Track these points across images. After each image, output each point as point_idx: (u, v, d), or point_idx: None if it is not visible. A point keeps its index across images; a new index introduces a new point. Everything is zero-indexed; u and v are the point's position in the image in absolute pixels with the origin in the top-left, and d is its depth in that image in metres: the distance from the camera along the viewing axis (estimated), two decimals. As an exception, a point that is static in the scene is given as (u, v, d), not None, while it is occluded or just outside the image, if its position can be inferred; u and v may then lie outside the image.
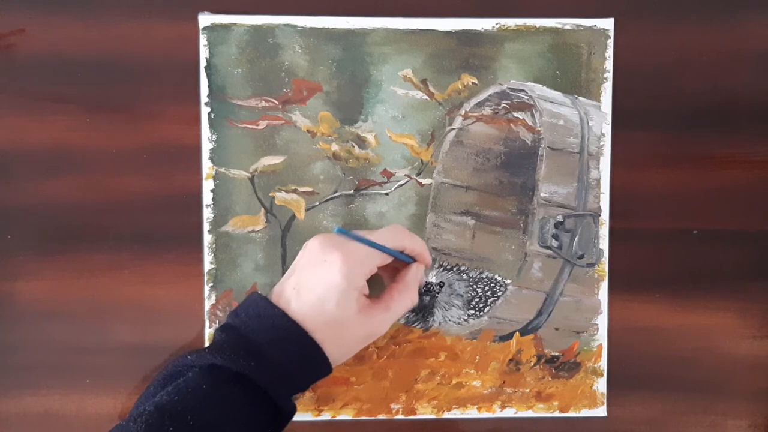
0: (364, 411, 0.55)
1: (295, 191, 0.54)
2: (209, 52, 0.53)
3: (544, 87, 0.54)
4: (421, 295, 0.54)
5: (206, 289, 0.54)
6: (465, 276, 0.55)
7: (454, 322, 0.55)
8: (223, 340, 0.43)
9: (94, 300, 0.53)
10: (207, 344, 0.54)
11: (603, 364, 0.55)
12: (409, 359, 0.55)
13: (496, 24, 0.53)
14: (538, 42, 0.54)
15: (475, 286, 0.55)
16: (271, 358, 0.42)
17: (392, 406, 0.55)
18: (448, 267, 0.55)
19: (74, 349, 0.54)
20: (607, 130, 0.54)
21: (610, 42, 0.54)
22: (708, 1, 0.54)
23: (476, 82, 0.54)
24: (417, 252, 0.49)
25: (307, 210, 0.54)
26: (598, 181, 0.55)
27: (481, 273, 0.55)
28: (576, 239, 0.55)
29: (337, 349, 0.44)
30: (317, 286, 0.44)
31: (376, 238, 0.46)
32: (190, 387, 0.40)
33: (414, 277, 0.49)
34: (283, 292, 0.45)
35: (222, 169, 0.53)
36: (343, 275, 0.43)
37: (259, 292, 0.53)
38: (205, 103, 0.53)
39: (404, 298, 0.47)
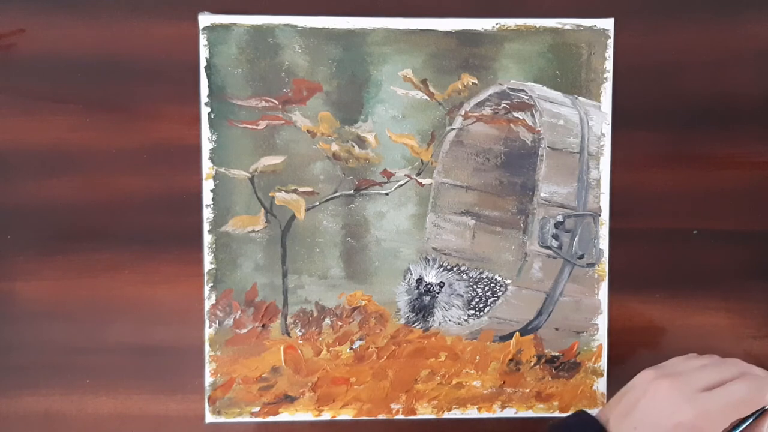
0: (364, 411, 0.55)
1: (295, 191, 0.54)
2: (209, 52, 0.53)
3: (544, 87, 0.54)
4: (421, 295, 0.54)
5: (206, 289, 0.54)
6: (465, 276, 0.55)
7: (454, 322, 0.55)
8: None
9: (94, 300, 0.53)
10: (205, 342, 0.54)
11: (603, 364, 0.55)
12: (409, 359, 0.55)
13: (496, 24, 0.53)
14: (538, 42, 0.54)
15: (475, 286, 0.55)
16: None
17: (392, 406, 0.55)
18: (448, 267, 0.55)
19: (74, 349, 0.54)
20: (607, 130, 0.54)
21: (610, 42, 0.54)
22: (708, 1, 0.54)
23: (476, 82, 0.54)
24: None
25: (307, 210, 0.54)
26: (598, 181, 0.55)
27: (481, 273, 0.55)
28: (576, 239, 0.55)
29: None
30: None
31: (729, 395, 0.39)
32: None
33: None
34: (619, 427, 0.42)
35: (222, 169, 0.53)
36: None
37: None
38: (205, 103, 0.53)
39: None
